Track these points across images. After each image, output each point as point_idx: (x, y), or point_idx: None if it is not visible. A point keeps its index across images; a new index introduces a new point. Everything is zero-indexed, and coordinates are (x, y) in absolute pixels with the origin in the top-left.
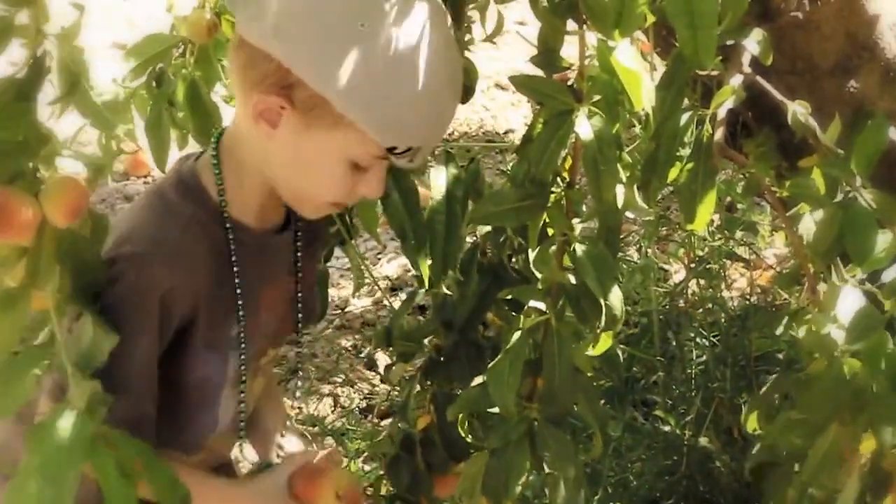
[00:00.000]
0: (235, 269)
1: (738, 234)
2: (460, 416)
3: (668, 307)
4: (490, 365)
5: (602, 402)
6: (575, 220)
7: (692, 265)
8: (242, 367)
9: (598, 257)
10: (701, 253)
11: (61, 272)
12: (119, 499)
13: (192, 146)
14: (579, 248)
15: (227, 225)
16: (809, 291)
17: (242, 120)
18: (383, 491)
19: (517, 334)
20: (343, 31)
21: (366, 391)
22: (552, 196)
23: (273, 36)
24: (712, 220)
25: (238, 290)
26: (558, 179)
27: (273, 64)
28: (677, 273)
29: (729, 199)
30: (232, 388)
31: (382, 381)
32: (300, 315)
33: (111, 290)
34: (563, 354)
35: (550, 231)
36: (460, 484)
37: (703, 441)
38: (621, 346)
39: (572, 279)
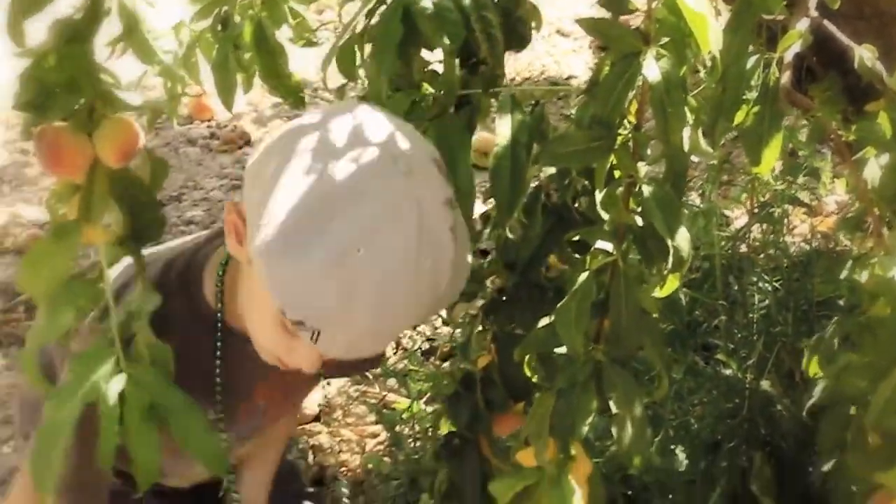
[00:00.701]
0: (217, 370)
1: (801, 179)
2: (526, 356)
3: (730, 252)
4: (557, 306)
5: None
6: (640, 164)
7: (755, 210)
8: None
9: (664, 199)
10: (763, 198)
11: (117, 212)
12: (142, 441)
13: (258, 87)
14: (646, 190)
15: (218, 324)
16: (875, 235)
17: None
18: (443, 429)
19: (584, 275)
20: (282, 175)
21: (428, 333)
22: (619, 138)
23: (251, 161)
24: (774, 167)
25: (217, 388)
26: (625, 122)
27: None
28: (738, 220)
29: (790, 146)
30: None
31: (444, 324)
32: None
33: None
34: (630, 295)
35: (617, 173)
36: (527, 425)
37: (764, 385)
38: (684, 289)
39: (639, 221)
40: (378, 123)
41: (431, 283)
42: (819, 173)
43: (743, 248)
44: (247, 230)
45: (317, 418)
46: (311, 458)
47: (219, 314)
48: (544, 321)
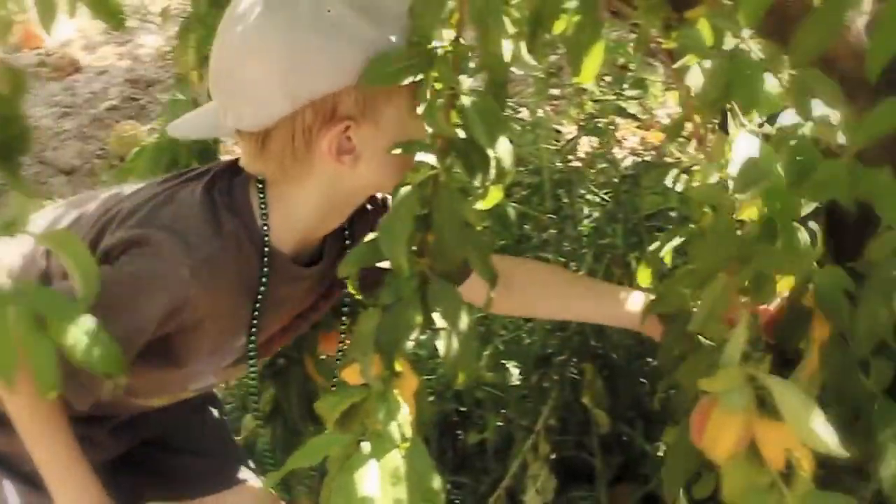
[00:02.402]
0: (262, 289)
1: (630, 92)
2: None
3: (560, 166)
4: (381, 220)
5: None
6: (462, 77)
7: (582, 122)
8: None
9: (486, 110)
10: (591, 111)
11: None
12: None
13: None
14: (467, 101)
15: (266, 249)
16: (697, 143)
17: (307, 175)
18: None
19: (406, 189)
20: (317, 26)
21: None
22: (439, 51)
23: (289, 100)
24: (603, 78)
25: (257, 312)
26: (444, 34)
27: (305, 114)
28: (570, 135)
29: (622, 59)
30: (216, 376)
31: None
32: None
33: (129, 261)
34: (453, 208)
35: (438, 86)
36: (352, 342)
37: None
38: (513, 204)
39: (461, 133)
40: None
41: None
42: (647, 85)
43: (577, 163)
44: (357, 99)
45: None
46: None
47: (266, 237)
48: (369, 236)
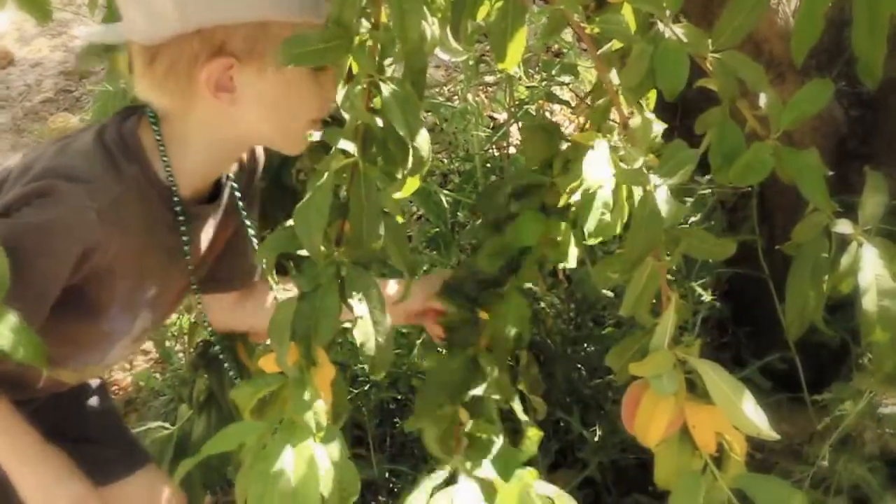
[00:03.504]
0: (184, 238)
1: (563, 78)
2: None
3: (493, 152)
4: (296, 207)
5: (428, 248)
6: (387, 62)
7: (513, 108)
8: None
9: (404, 98)
10: (523, 97)
11: None
12: None
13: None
14: (385, 89)
15: (174, 189)
16: (621, 127)
17: (190, 109)
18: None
19: (323, 176)
20: None
21: None
22: (358, 37)
23: (179, 18)
24: (536, 65)
25: (187, 257)
26: (364, 21)
27: (193, 41)
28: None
29: (556, 45)
30: (132, 342)
31: None
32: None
33: (35, 212)
34: (371, 197)
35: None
36: (270, 329)
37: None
38: (446, 192)
39: (380, 121)
40: None
41: None
42: (577, 69)
43: (511, 150)
44: (248, 40)
45: None
46: None
47: (174, 188)
48: (288, 223)
